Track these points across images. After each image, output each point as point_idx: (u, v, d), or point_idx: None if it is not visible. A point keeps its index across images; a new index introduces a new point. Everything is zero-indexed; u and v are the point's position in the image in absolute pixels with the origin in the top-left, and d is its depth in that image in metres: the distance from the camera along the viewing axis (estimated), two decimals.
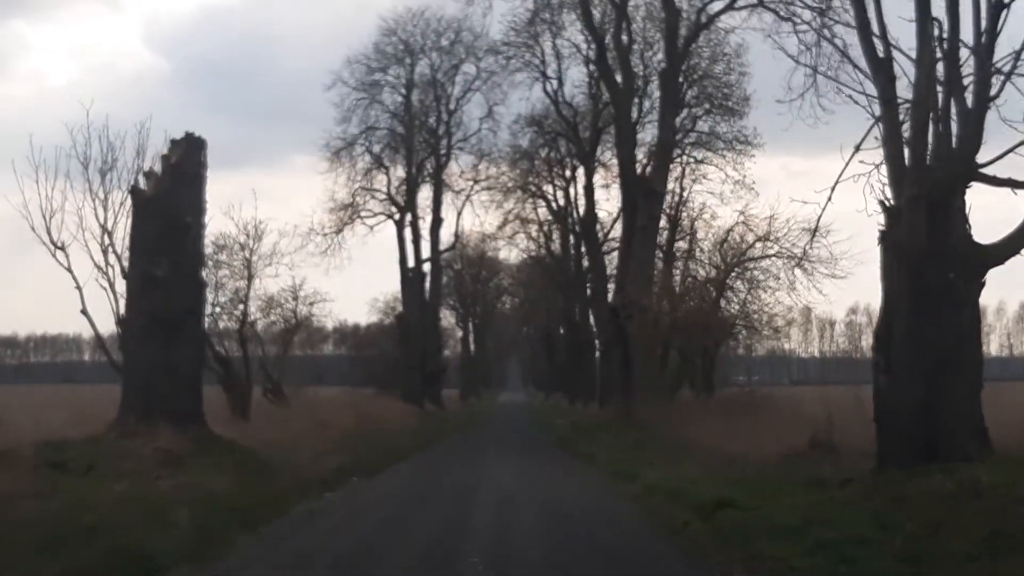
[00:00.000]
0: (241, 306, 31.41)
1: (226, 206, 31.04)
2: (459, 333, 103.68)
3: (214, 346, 31.23)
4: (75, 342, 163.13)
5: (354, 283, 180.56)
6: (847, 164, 17.25)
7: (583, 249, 61.79)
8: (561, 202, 62.40)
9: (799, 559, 11.85)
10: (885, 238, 15.94)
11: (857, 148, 17.05)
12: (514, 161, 59.41)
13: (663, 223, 43.06)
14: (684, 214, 45.04)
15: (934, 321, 15.32)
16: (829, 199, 18.44)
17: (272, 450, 25.23)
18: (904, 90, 16.58)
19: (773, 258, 40.22)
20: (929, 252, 15.36)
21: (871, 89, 16.88)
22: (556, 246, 68.09)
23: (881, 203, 16.11)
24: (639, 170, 42.44)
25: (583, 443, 34.77)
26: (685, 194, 45.61)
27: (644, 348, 39.10)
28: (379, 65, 59.76)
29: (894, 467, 15.10)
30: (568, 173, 61.01)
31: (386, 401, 52.21)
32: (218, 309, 31.32)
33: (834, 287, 37.69)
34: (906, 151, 16.08)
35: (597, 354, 63.72)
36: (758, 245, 40.47)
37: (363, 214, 58.40)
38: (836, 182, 17.86)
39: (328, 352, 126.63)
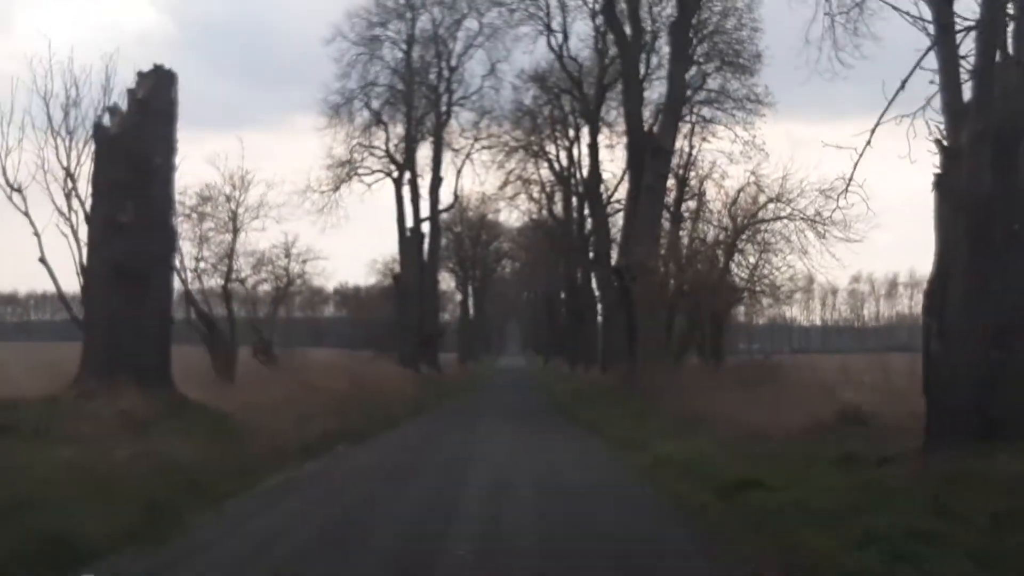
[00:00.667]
0: (226, 261, 29.28)
1: (211, 155, 29.01)
2: (459, 297, 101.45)
3: (197, 303, 29.28)
4: (76, 300, 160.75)
5: (356, 244, 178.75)
6: (891, 100, 15.13)
7: (586, 211, 59.65)
8: (564, 162, 60.29)
9: (847, 555, 9.80)
10: (941, 183, 13.76)
11: (903, 84, 14.95)
12: (517, 120, 57.34)
13: (670, 183, 40.90)
14: (693, 173, 42.95)
15: (997, 279, 13.22)
16: (868, 143, 16.31)
17: (252, 414, 23.28)
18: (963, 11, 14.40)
19: (785, 220, 38.09)
20: (993, 198, 13.24)
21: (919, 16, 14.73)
22: (558, 208, 65.93)
23: (937, 142, 13.97)
24: (646, 127, 40.28)
25: (585, 410, 32.84)
26: (694, 153, 43.51)
27: (649, 312, 37.06)
28: (379, 19, 57.45)
29: (946, 446, 13.01)
30: (572, 132, 58.87)
31: (382, 364, 50.30)
32: (203, 264, 29.27)
33: (848, 251, 35.43)
34: (964, 87, 13.90)
35: (599, 319, 61.86)
36: (770, 206, 38.33)
37: (361, 171, 56.38)
38: (878, 123, 15.77)
39: (330, 315, 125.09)
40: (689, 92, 43.25)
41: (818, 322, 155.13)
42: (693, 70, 43.57)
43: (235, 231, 28.79)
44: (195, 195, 28.52)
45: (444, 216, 75.87)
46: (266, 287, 39.18)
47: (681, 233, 39.80)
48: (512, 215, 72.44)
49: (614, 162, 55.47)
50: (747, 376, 29.60)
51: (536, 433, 26.47)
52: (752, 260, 37.05)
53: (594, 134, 51.79)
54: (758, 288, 35.43)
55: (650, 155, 37.48)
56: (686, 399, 27.10)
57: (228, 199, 28.65)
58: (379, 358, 55.89)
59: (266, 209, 29.24)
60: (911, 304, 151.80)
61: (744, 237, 38.00)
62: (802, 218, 37.51)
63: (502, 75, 57.58)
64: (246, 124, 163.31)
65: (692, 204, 41.99)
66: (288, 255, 39.14)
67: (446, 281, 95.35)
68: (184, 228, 28.75)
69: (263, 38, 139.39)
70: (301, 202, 53.81)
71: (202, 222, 28.88)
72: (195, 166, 29.34)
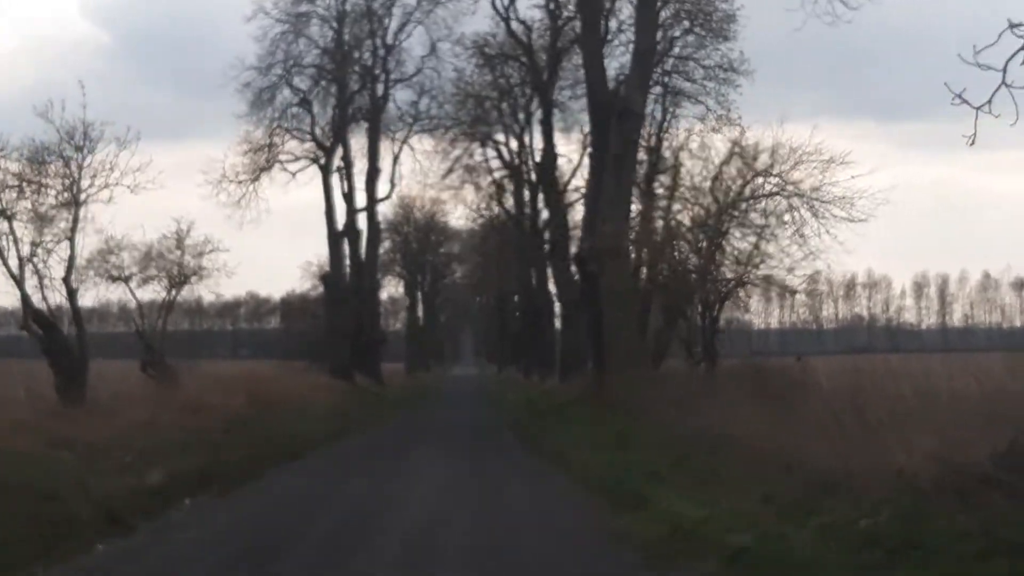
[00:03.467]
0: (67, 245, 21.22)
1: (42, 105, 20.95)
2: (408, 303, 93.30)
3: (30, 302, 21.38)
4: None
5: (294, 249, 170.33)
6: None
7: (540, 203, 52.03)
8: (515, 148, 52.40)
9: None
10: None
11: None
12: (460, 102, 49.48)
13: (640, 155, 33.34)
14: (665, 144, 35.38)
15: None
16: None
17: (73, 452, 15.66)
18: None
19: (778, 197, 30.59)
20: None
21: None
22: (509, 203, 58.00)
23: None
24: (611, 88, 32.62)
25: (545, 431, 25.26)
26: (667, 119, 35.93)
27: (619, 306, 29.62)
28: None
29: None
30: (521, 117, 51.07)
31: (308, 376, 42.48)
32: (40, 250, 21.28)
33: (851, 232, 27.91)
34: None
35: (557, 322, 54.29)
36: (760, 181, 30.82)
37: (283, 158, 48.36)
38: None
39: (275, 326, 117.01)
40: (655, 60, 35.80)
41: (775, 324, 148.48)
42: (659, 35, 36.15)
43: (76, 204, 20.86)
44: (19, 157, 20.59)
45: (389, 216, 68.54)
46: (156, 286, 31.25)
47: (655, 215, 32.20)
48: (460, 215, 64.38)
49: (570, 147, 47.85)
50: (753, 383, 22.06)
51: (480, 470, 18.73)
52: (742, 244, 29.51)
53: (547, 108, 44.00)
54: (752, 278, 27.77)
55: (616, 118, 30.05)
56: (680, 415, 19.65)
57: (65, 161, 20.75)
58: (311, 369, 48.21)
59: (118, 174, 21.24)
60: (869, 305, 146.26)
61: (728, 218, 30.45)
62: (796, 194, 30.16)
63: (443, 56, 49.92)
64: (187, 135, 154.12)
65: (665, 179, 34.34)
66: (180, 247, 31.31)
67: (394, 286, 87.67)
68: (10, 202, 20.85)
69: (199, 46, 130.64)
70: (216, 194, 46.14)
71: (36, 193, 20.94)
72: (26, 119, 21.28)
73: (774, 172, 30.56)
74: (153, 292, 31.39)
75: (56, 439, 16.04)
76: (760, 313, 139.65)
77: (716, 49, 38.67)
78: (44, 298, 21.61)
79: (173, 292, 31.57)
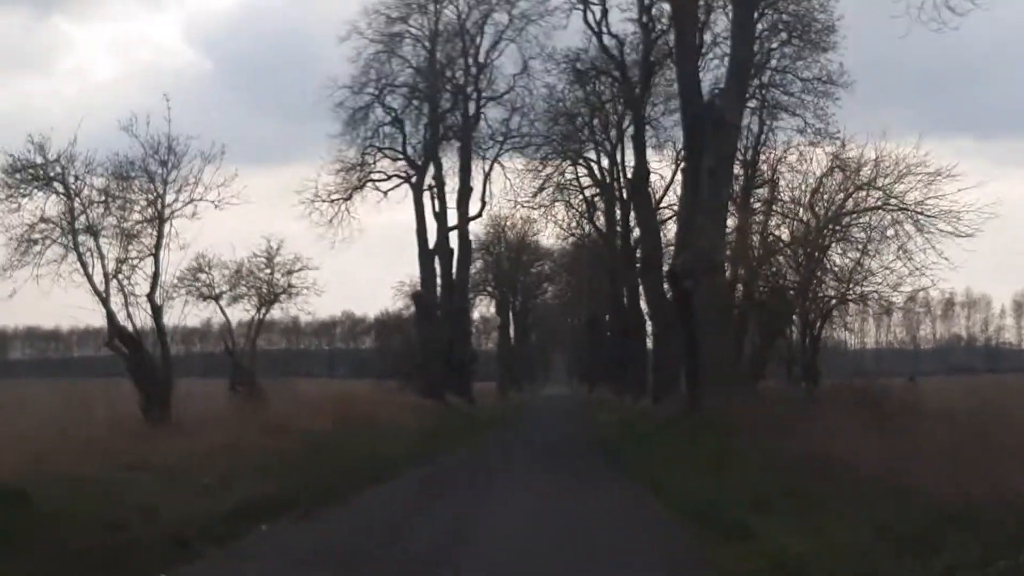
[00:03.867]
0: (151, 261, 20.83)
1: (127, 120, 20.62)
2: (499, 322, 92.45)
3: (116, 320, 21.06)
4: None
5: (391, 269, 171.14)
6: None
7: (632, 219, 50.94)
8: (605, 164, 51.43)
9: None
10: None
11: None
12: (552, 119, 48.58)
13: (736, 169, 32.20)
14: (762, 158, 34.14)
15: None
16: None
17: (150, 475, 15.17)
18: None
19: (881, 211, 29.20)
20: None
21: None
22: (600, 221, 56.93)
23: None
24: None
25: (637, 452, 24.28)
26: (764, 133, 34.69)
27: (715, 324, 28.50)
28: (400, 14, 49.27)
29: None
30: (613, 132, 50.10)
31: (399, 396, 41.95)
32: (125, 267, 20.93)
33: (958, 249, 26.41)
34: None
35: (649, 342, 53.08)
36: (861, 194, 29.49)
37: (375, 176, 48.06)
38: None
39: (370, 345, 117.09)
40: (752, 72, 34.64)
41: (871, 344, 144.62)
42: (756, 47, 35.00)
43: (160, 219, 20.48)
44: (103, 170, 20.29)
45: (480, 236, 68.02)
46: (247, 305, 31.00)
47: (752, 229, 31.00)
48: (551, 234, 63.30)
49: (662, 164, 46.63)
50: (859, 404, 20.83)
51: (570, 494, 17.81)
52: (843, 260, 28.14)
53: (639, 123, 42.85)
54: (856, 295, 26.29)
55: (711, 130, 28.94)
56: (781, 437, 18.53)
57: (150, 177, 20.40)
58: (403, 388, 47.73)
59: (202, 189, 20.86)
60: (968, 325, 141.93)
61: (829, 232, 29.17)
62: (901, 208, 28.77)
63: (535, 74, 49.16)
64: (293, 158, 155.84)
65: (763, 193, 33.12)
66: (270, 264, 31.04)
67: (486, 306, 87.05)
68: (96, 218, 20.55)
69: (298, 73, 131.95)
70: (308, 213, 46.01)
71: (122, 210, 20.60)
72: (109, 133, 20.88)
73: (877, 185, 29.33)
74: (243, 311, 31.17)
75: (134, 462, 15.56)
76: (856, 332, 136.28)
77: (815, 61, 37.62)
78: (129, 316, 21.28)
79: (263, 310, 31.34)
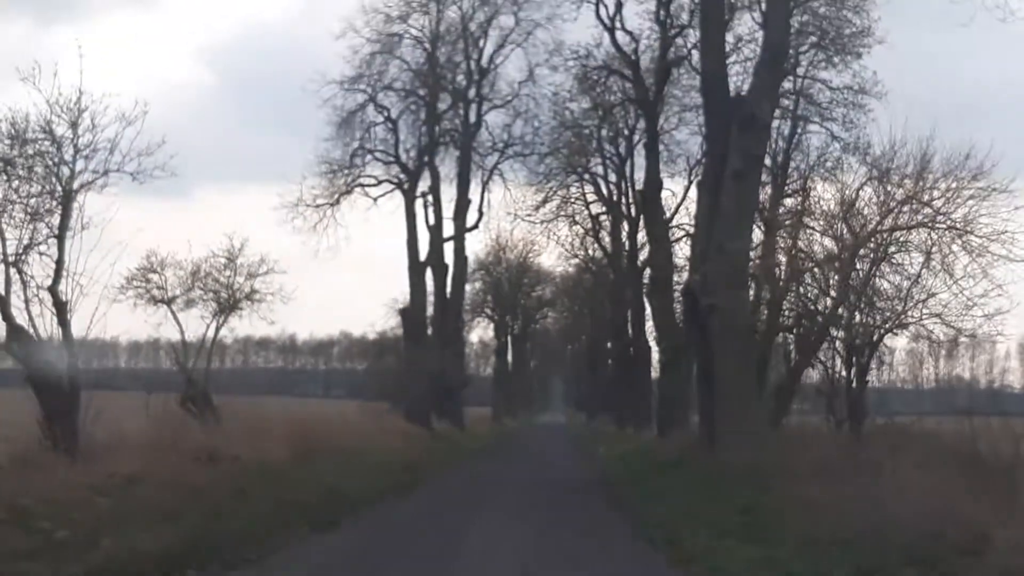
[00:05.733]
0: (54, 244, 16.36)
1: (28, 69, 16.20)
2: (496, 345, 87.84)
3: (12, 319, 16.73)
4: None
5: (390, 289, 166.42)
6: None
7: (639, 239, 46.71)
8: (613, 179, 47.22)
9: None
10: None
11: None
12: (557, 128, 44.34)
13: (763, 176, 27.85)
14: (792, 164, 29.77)
15: None
16: None
17: None
18: None
19: (925, 229, 24.88)
20: None
21: None
22: (606, 240, 52.70)
23: None
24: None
25: (647, 500, 19.83)
26: (796, 135, 30.29)
27: (736, 349, 24.12)
28: (400, 13, 45.07)
29: None
30: (622, 143, 45.94)
31: (381, 420, 37.59)
32: (29, 255, 16.55)
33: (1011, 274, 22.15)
34: None
35: (653, 371, 48.74)
36: (905, 210, 25.20)
37: (364, 181, 43.72)
38: None
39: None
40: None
41: (875, 383, 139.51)
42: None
43: (67, 194, 16.09)
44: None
45: (480, 255, 63.95)
46: (203, 312, 26.66)
47: (779, 244, 26.66)
48: (553, 254, 59.21)
49: (672, 181, 42.27)
50: (918, 450, 16.44)
51: (566, 560, 13.37)
52: (881, 281, 23.76)
53: (652, 130, 38.32)
54: (914, 320, 21.79)
55: (737, 130, 24.64)
56: (828, 489, 14.21)
57: (53, 140, 16.02)
58: (392, 411, 43.45)
59: (120, 158, 16.46)
60: (972, 366, 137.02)
61: (871, 250, 24.82)
62: (949, 226, 24.51)
63: (540, 82, 44.92)
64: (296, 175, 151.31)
65: (792, 203, 28.75)
66: (232, 265, 26.74)
67: (483, 328, 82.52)
68: None
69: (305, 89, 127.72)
70: (291, 218, 41.81)
71: (10, 177, 16.17)
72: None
73: (924, 200, 25.13)
74: (199, 318, 26.82)
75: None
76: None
77: (847, 68, 33.46)
78: (29, 314, 16.89)
79: (221, 318, 26.99)
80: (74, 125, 16.13)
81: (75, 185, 16.27)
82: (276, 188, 40.95)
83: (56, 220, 16.44)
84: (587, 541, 14.83)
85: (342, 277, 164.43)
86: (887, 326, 22.00)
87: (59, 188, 16.20)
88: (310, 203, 41.92)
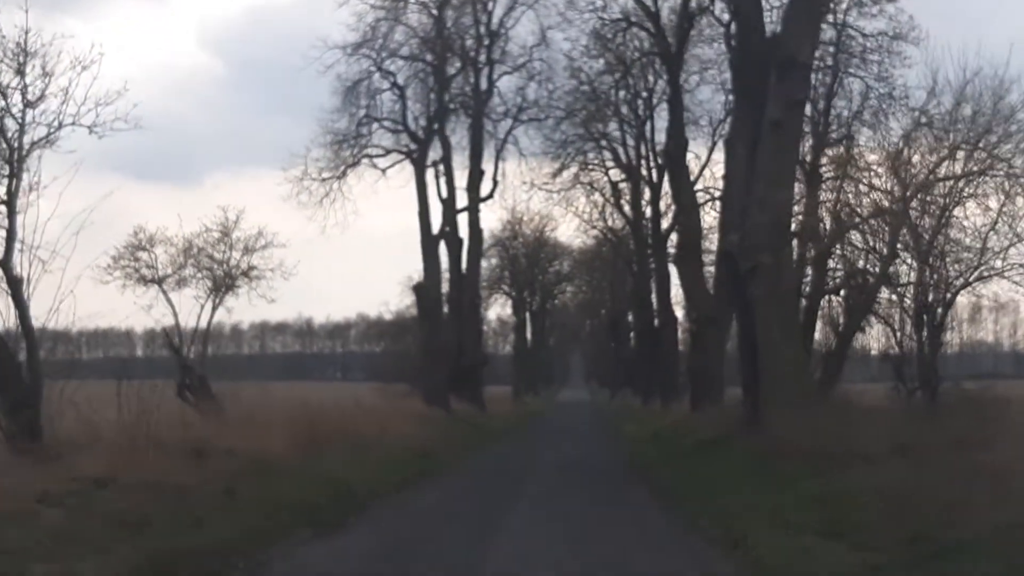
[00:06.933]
0: (3, 212, 14.01)
1: None
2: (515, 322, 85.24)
3: None
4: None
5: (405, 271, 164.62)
6: None
7: (662, 205, 44.23)
8: (631, 144, 44.63)
9: None
10: None
11: None
12: (573, 91, 41.78)
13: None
14: (832, 112, 27.14)
15: None
16: None
17: None
18: None
19: (983, 177, 22.41)
20: None
21: None
22: (626, 208, 50.16)
23: None
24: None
25: (692, 485, 17.44)
26: (837, 81, 27.58)
27: (780, 315, 21.83)
28: None
29: None
30: (641, 104, 43.35)
31: (397, 404, 35.34)
32: None
33: None
34: None
35: (679, 341, 46.37)
36: (959, 156, 22.75)
37: (372, 152, 41.29)
38: None
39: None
40: None
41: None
42: None
43: (18, 153, 13.72)
44: None
45: (496, 231, 61.50)
46: (197, 292, 24.47)
47: (822, 200, 24.19)
48: (571, 227, 56.63)
49: (696, 142, 39.62)
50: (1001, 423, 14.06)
51: (604, 561, 11.07)
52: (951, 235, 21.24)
53: (675, 85, 35.53)
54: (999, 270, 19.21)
55: (776, 74, 22.22)
56: (916, 473, 11.87)
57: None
58: (409, 393, 41.30)
59: (75, 109, 14.12)
60: (996, 330, 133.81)
61: (928, 200, 22.34)
62: (1009, 173, 22.08)
63: (554, 45, 42.27)
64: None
65: (835, 154, 26.17)
66: (227, 240, 24.53)
67: (502, 306, 79.94)
68: None
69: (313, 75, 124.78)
70: (296, 193, 39.52)
71: None
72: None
73: (980, 145, 22.78)
74: (193, 298, 24.62)
75: None
76: (878, 338, 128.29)
77: (882, 11, 30.74)
78: None
79: (217, 297, 24.78)
80: (20, 72, 13.75)
81: (25, 141, 13.86)
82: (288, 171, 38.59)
83: (3, 184, 14.08)
84: (637, 546, 12.38)
85: (357, 259, 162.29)
86: (961, 280, 19.44)
87: (4, 145, 13.80)
88: (315, 176, 39.60)
